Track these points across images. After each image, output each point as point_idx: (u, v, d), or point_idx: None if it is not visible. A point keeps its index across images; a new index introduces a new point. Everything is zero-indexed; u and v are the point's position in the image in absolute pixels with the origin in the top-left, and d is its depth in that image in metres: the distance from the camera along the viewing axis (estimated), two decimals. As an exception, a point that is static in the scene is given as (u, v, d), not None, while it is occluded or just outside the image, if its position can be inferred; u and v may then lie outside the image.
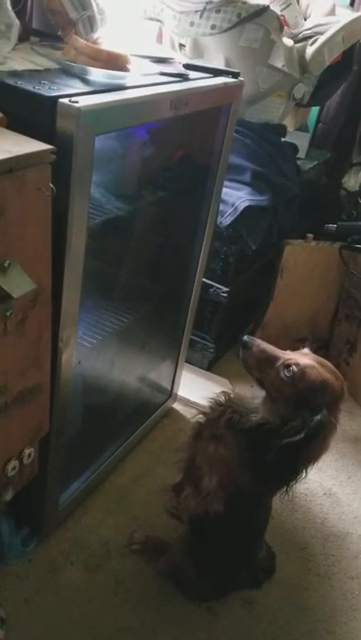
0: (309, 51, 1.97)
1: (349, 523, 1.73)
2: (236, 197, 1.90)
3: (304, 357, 1.15)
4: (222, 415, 1.22)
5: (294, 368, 1.11)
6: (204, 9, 1.81)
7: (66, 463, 1.35)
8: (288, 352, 1.18)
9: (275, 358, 1.16)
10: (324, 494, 1.81)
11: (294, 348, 1.20)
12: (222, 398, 1.27)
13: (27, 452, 1.12)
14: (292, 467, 1.13)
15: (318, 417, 1.08)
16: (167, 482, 1.62)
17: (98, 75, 1.08)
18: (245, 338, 1.19)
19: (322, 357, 1.19)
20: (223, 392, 1.28)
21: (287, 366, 1.12)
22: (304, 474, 1.15)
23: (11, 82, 0.96)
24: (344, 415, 2.12)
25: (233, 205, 1.88)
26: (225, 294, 2.02)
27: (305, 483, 1.44)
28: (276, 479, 1.17)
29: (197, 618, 1.39)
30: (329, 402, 1.11)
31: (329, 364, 1.17)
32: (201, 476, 1.24)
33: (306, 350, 1.19)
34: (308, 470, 1.14)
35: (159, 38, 1.99)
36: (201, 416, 1.30)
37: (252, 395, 1.23)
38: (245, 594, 1.45)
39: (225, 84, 1.38)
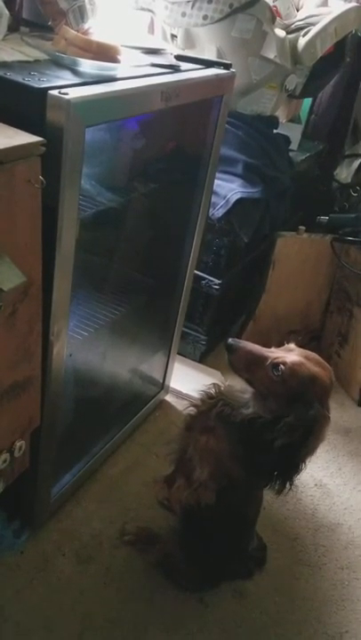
0: (302, 42, 1.96)
1: (340, 513, 1.74)
2: (228, 189, 1.89)
3: (291, 354, 1.15)
4: (213, 408, 1.23)
5: (283, 367, 1.11)
6: (196, -1, 1.80)
7: (58, 455, 1.35)
8: (274, 349, 1.18)
9: (262, 358, 1.15)
10: (315, 485, 1.82)
11: (281, 344, 1.20)
12: (213, 391, 1.27)
13: (18, 444, 1.12)
14: (293, 464, 1.14)
15: (312, 412, 1.09)
16: (159, 474, 1.63)
17: (88, 66, 1.07)
18: (230, 341, 1.18)
19: (312, 349, 1.19)
20: (214, 384, 1.28)
21: (275, 366, 1.12)
22: (303, 467, 1.15)
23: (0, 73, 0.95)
24: (335, 407, 2.13)
25: (225, 197, 1.87)
26: (217, 286, 2.02)
27: (296, 474, 1.44)
28: (274, 474, 1.17)
29: (189, 608, 1.40)
30: (320, 395, 1.12)
31: (315, 356, 1.17)
32: (192, 468, 1.24)
33: (291, 345, 1.19)
34: (307, 463, 1.15)
35: (151, 29, 1.98)
36: (192, 408, 1.30)
37: (243, 388, 1.23)
38: (237, 584, 1.46)
39: (216, 75, 1.37)
